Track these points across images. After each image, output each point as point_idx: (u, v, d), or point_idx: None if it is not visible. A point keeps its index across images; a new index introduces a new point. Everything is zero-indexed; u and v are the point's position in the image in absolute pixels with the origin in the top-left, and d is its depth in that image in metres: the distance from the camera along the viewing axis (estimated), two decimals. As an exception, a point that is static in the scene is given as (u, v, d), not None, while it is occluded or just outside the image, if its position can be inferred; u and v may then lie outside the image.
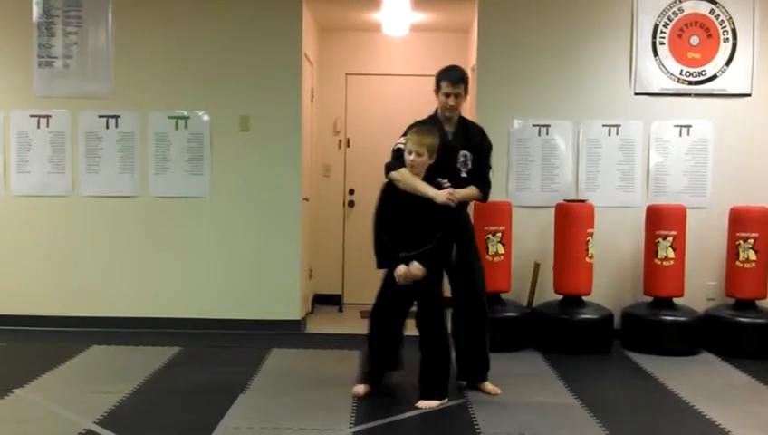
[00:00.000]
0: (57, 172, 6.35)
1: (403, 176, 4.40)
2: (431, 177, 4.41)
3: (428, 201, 4.34)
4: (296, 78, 6.35)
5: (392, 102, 7.76)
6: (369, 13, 7.02)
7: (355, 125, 7.82)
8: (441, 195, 4.33)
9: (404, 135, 4.56)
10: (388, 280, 4.46)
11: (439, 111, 4.67)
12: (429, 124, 4.60)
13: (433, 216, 4.35)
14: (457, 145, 4.61)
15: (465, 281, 4.66)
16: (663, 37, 6.17)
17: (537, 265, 6.11)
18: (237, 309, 6.34)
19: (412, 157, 4.34)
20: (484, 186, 4.69)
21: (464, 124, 4.71)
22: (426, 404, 4.39)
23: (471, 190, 4.60)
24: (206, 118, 6.33)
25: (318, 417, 4.22)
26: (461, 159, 4.61)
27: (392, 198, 4.44)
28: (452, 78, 4.59)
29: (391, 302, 4.50)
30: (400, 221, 4.40)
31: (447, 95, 4.57)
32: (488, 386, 4.71)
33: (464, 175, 4.60)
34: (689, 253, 5.88)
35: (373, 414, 4.26)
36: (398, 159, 4.47)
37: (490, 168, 4.74)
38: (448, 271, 4.59)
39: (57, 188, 6.36)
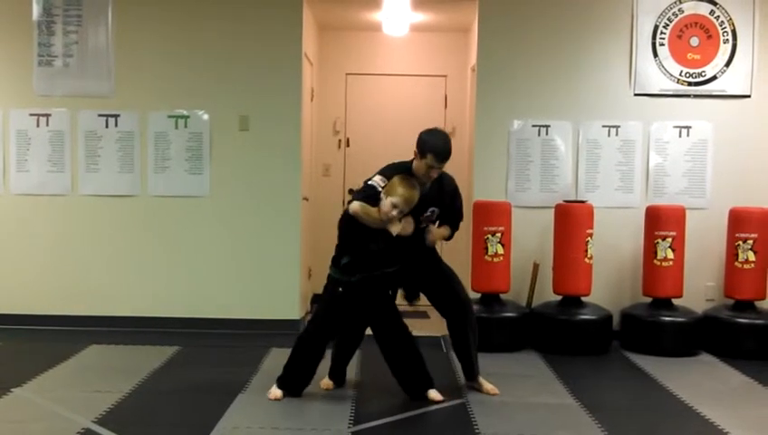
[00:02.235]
0: (56, 171, 6.35)
1: (365, 211, 4.33)
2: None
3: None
4: (296, 77, 6.35)
5: (392, 102, 7.77)
6: (370, 12, 7.02)
7: (355, 125, 7.82)
8: (396, 229, 4.30)
9: (381, 174, 4.46)
10: (336, 303, 4.50)
11: (415, 173, 4.48)
12: (405, 172, 4.48)
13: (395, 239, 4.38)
14: (428, 200, 4.54)
15: (445, 290, 4.70)
16: (663, 38, 6.17)
17: (536, 266, 6.11)
18: (236, 309, 6.34)
19: (395, 213, 4.27)
20: (454, 230, 4.74)
21: (439, 181, 4.58)
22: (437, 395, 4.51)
23: (445, 231, 4.68)
24: (205, 117, 6.33)
25: (317, 417, 4.23)
26: (428, 213, 4.56)
27: (356, 224, 4.39)
28: (440, 156, 4.38)
29: (335, 325, 4.55)
30: (366, 242, 4.41)
31: (431, 167, 4.41)
32: (487, 386, 4.72)
33: (423, 226, 4.59)
34: (688, 254, 5.89)
35: (372, 415, 4.27)
36: (369, 197, 4.37)
37: (462, 219, 4.78)
38: (423, 289, 4.71)
39: (56, 187, 6.36)
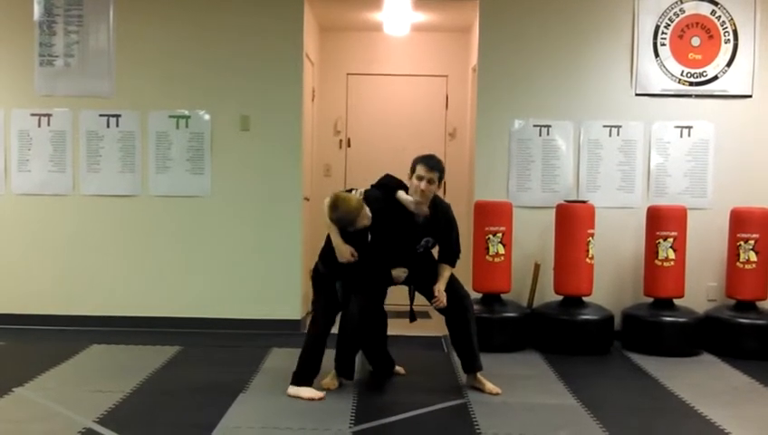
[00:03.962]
0: (58, 171, 6.35)
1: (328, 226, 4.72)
2: (391, 248, 4.64)
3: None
4: (297, 77, 6.35)
5: (393, 102, 7.77)
6: (370, 12, 7.03)
7: (356, 125, 7.83)
8: (344, 255, 4.59)
9: (373, 187, 4.72)
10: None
11: (412, 198, 4.61)
12: (399, 189, 4.66)
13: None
14: (422, 230, 4.67)
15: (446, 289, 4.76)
16: (664, 38, 6.17)
17: (537, 266, 6.11)
18: (237, 309, 6.34)
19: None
20: (452, 265, 4.80)
21: (434, 209, 4.68)
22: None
23: (445, 275, 4.73)
24: (206, 117, 6.33)
25: (318, 417, 4.22)
26: (423, 242, 4.71)
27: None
28: (428, 163, 4.58)
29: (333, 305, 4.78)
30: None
31: (420, 178, 4.55)
32: (488, 386, 4.71)
33: (420, 251, 4.75)
34: (690, 254, 5.88)
35: (373, 414, 4.27)
36: None
37: (458, 253, 4.82)
38: (420, 289, 4.81)
39: (58, 187, 6.36)
